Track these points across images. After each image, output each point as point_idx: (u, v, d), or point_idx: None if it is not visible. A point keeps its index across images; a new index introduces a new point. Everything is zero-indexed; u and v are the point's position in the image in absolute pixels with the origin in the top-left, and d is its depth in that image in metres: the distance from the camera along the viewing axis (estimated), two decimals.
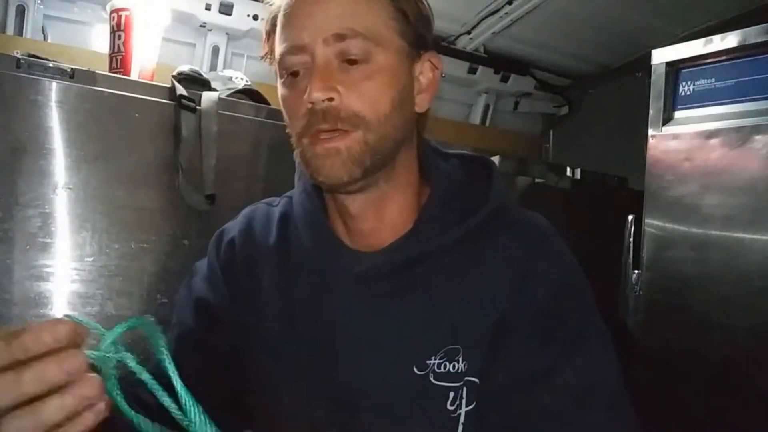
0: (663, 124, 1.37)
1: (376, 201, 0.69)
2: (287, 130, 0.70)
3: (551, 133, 2.43)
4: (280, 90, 0.68)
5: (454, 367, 0.63)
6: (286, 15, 0.65)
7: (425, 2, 0.70)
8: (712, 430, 1.23)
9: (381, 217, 0.70)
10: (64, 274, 1.02)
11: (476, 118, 2.18)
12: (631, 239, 1.46)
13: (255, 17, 1.60)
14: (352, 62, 0.63)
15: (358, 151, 0.63)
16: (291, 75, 0.66)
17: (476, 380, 0.63)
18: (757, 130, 1.21)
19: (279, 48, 0.66)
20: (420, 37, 0.68)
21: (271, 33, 0.70)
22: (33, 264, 0.99)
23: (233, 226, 0.79)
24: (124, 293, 1.07)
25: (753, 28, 1.23)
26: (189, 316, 0.76)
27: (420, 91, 0.70)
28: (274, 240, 0.75)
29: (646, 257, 1.39)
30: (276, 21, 0.68)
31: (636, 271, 1.41)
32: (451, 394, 0.63)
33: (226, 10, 1.57)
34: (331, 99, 0.62)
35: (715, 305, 1.25)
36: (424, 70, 0.70)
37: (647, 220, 1.39)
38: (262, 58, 0.73)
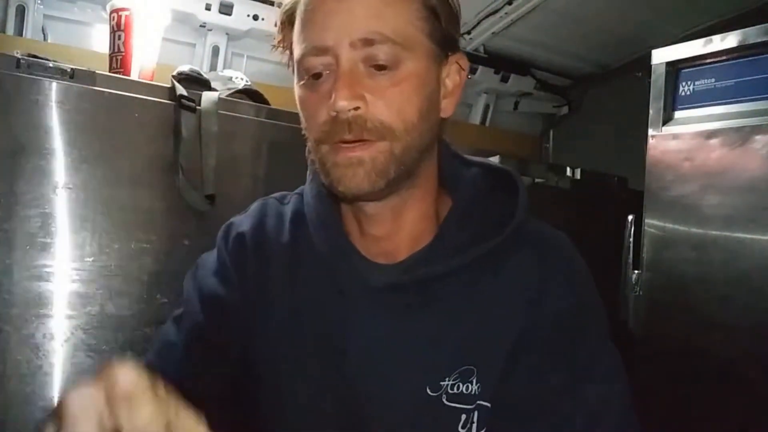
0: (663, 124, 1.37)
1: (395, 207, 0.66)
2: (303, 133, 0.67)
3: (551, 133, 2.43)
4: (299, 91, 0.65)
5: (467, 388, 0.61)
6: (308, 11, 0.61)
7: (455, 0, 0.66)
8: (712, 430, 1.22)
9: (398, 223, 0.67)
10: (64, 274, 1.02)
11: (476, 118, 2.18)
12: (631, 239, 1.46)
13: (255, 17, 1.60)
14: (379, 68, 0.60)
15: (382, 161, 0.60)
16: (312, 77, 0.62)
17: (488, 405, 0.61)
18: (757, 130, 1.21)
19: (299, 47, 0.62)
20: (449, 38, 0.65)
21: (286, 25, 0.66)
22: (33, 264, 0.99)
23: (243, 221, 0.75)
24: (124, 293, 1.07)
25: (753, 28, 1.22)
26: (198, 310, 0.71)
27: (446, 95, 0.66)
28: (287, 240, 0.72)
29: (646, 257, 1.39)
30: (294, 14, 0.64)
31: (636, 271, 1.41)
32: (464, 417, 0.61)
33: (226, 10, 1.57)
34: (357, 108, 0.59)
35: (715, 305, 1.25)
36: (451, 73, 0.67)
37: (647, 220, 1.39)
38: (274, 47, 0.70)
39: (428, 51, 0.63)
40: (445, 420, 0.61)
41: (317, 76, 0.61)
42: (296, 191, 0.77)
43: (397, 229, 0.68)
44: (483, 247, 0.64)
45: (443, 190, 0.71)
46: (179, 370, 0.67)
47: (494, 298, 0.64)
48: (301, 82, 0.64)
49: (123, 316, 1.07)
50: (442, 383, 0.61)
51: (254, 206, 0.77)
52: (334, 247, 0.68)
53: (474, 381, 0.61)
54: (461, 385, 0.61)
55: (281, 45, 0.68)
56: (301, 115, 0.66)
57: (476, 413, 0.61)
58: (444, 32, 0.64)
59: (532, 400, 0.60)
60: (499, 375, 0.61)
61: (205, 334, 0.70)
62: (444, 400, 0.61)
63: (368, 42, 0.59)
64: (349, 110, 0.58)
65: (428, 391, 0.61)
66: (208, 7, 1.55)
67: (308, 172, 0.75)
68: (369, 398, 0.63)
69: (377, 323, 0.65)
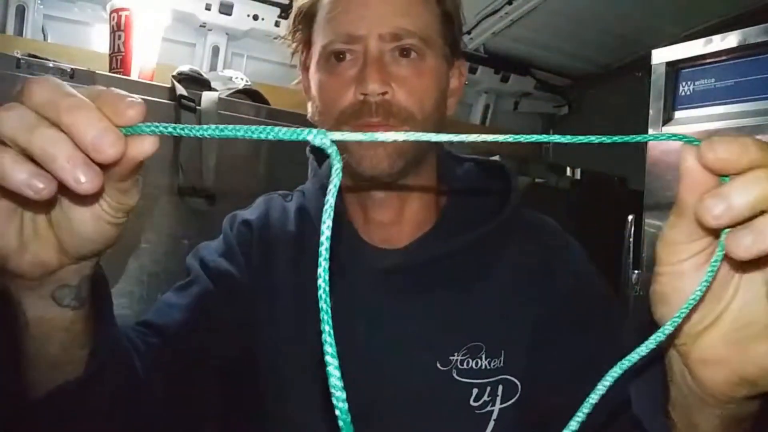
0: (663, 124, 1.37)
1: (400, 195, 0.70)
2: (311, 117, 0.71)
3: (551, 133, 2.43)
4: (319, 74, 0.68)
5: (477, 363, 0.64)
6: (340, 1, 0.66)
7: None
8: None
9: (402, 211, 0.71)
10: None
11: (476, 118, 2.18)
12: (631, 239, 1.46)
13: (255, 17, 1.60)
14: (404, 58, 0.65)
15: (402, 144, 0.64)
16: (335, 58, 0.65)
17: (514, 379, 0.64)
18: (757, 130, 1.21)
19: (328, 34, 0.66)
20: (457, 43, 0.71)
21: (306, 15, 0.70)
22: None
23: (248, 212, 0.78)
24: (124, 293, 1.07)
25: (753, 28, 1.22)
26: (204, 278, 0.71)
27: (450, 95, 0.72)
28: (292, 232, 0.74)
29: (646, 257, 1.39)
30: (317, 3, 0.68)
31: (636, 271, 1.41)
32: (475, 391, 0.63)
33: (226, 10, 1.57)
34: (385, 93, 0.63)
35: None
36: (454, 76, 0.73)
37: (647, 220, 1.38)
38: (282, 38, 0.74)
39: (443, 51, 0.69)
40: (457, 394, 0.64)
41: (340, 58, 0.65)
42: (298, 189, 0.79)
43: (401, 217, 0.71)
44: (482, 230, 0.68)
45: (440, 184, 0.75)
46: (178, 331, 0.66)
47: (497, 279, 0.67)
48: (324, 66, 0.67)
49: (123, 316, 1.07)
50: (451, 358, 0.64)
51: (259, 200, 0.80)
52: (338, 236, 0.70)
53: (483, 356, 0.64)
54: (470, 360, 0.64)
55: (293, 35, 0.72)
56: (317, 98, 0.69)
57: (500, 387, 0.63)
58: (454, 37, 0.70)
59: (562, 372, 0.62)
60: (525, 352, 0.64)
61: (209, 300, 0.70)
62: (454, 375, 0.64)
63: (396, 37, 0.64)
64: (378, 94, 0.62)
65: (438, 365, 0.64)
66: (208, 7, 1.55)
67: (309, 169, 0.77)
68: (380, 376, 0.65)
69: (383, 305, 0.67)
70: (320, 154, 0.77)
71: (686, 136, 0.32)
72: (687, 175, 0.33)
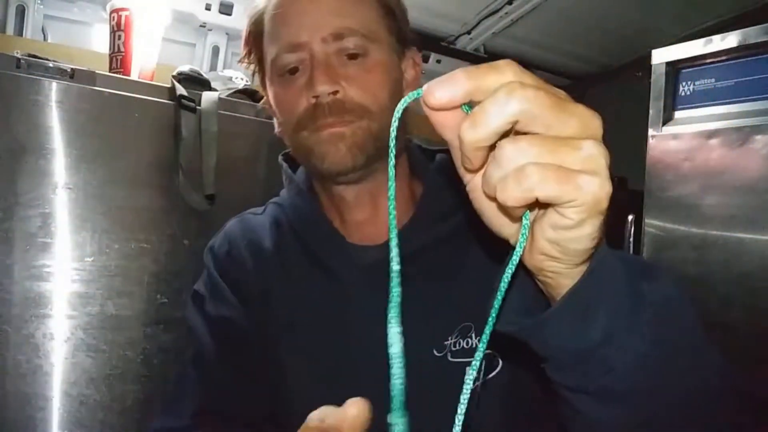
0: (663, 124, 1.37)
1: (372, 191, 0.70)
2: (277, 131, 0.72)
3: None
4: (274, 89, 0.69)
5: (467, 343, 0.66)
6: (278, 14, 0.67)
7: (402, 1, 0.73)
8: None
9: (376, 207, 0.72)
10: (64, 274, 1.02)
11: None
12: (631, 239, 1.46)
13: None
14: (351, 57, 0.65)
15: (361, 136, 0.65)
16: (289, 72, 0.66)
17: (491, 352, 0.65)
18: (757, 130, 1.21)
19: (274, 47, 0.67)
20: (404, 34, 0.71)
21: (254, 35, 0.70)
22: (33, 264, 0.99)
23: (223, 240, 0.77)
24: (124, 293, 1.07)
25: (753, 28, 1.22)
26: (211, 345, 0.72)
27: (407, 86, 0.72)
28: (273, 245, 0.75)
29: (646, 257, 1.39)
30: (261, 22, 0.69)
31: None
32: (467, 369, 0.65)
33: (226, 10, 1.57)
34: (335, 92, 0.63)
35: (715, 305, 1.25)
36: (408, 67, 0.73)
37: (647, 220, 1.38)
38: (240, 61, 0.75)
39: (390, 44, 0.69)
40: (452, 375, 0.65)
41: (293, 71, 0.66)
42: (271, 201, 0.80)
43: (377, 213, 0.72)
44: (459, 216, 0.69)
45: (414, 177, 0.75)
46: (229, 401, 0.69)
47: (479, 262, 0.67)
48: (277, 80, 0.68)
49: (123, 316, 1.07)
50: (446, 342, 0.66)
51: (229, 225, 0.79)
52: (321, 237, 0.72)
53: (473, 335, 0.66)
54: (461, 341, 0.66)
55: (247, 58, 0.73)
56: (276, 111, 0.70)
57: (483, 361, 0.64)
58: (400, 28, 0.71)
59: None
60: None
61: (224, 369, 0.71)
62: (449, 357, 0.65)
63: (338, 36, 0.64)
64: (329, 94, 0.63)
65: (435, 352, 0.65)
66: (208, 7, 1.55)
67: (284, 178, 0.77)
68: (380, 374, 0.65)
69: (374, 301, 0.67)
70: (293, 161, 0.78)
71: (416, 92, 0.38)
72: (433, 120, 0.39)
